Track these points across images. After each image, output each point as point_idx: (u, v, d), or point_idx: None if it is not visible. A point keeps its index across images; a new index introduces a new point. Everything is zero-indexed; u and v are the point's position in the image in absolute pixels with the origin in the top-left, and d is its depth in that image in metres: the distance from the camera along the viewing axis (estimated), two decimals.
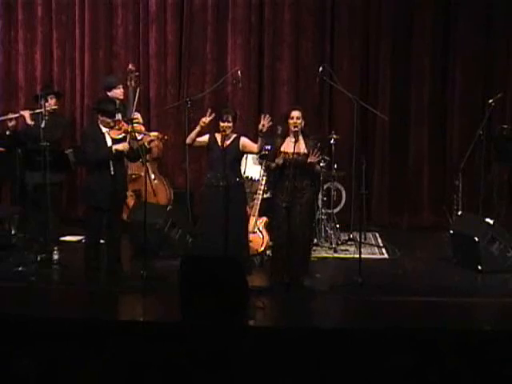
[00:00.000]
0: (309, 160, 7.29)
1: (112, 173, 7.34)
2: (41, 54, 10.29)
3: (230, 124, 7.55)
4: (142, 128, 8.69)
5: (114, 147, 7.36)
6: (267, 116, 7.38)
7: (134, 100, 9.02)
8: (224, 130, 7.52)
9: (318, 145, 7.47)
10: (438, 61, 10.11)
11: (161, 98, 10.20)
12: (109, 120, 7.42)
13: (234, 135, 7.63)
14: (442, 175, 10.21)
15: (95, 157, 7.34)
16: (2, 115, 8.95)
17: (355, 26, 10.09)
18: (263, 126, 7.33)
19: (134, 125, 8.03)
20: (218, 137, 7.57)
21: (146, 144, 7.72)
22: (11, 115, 8.67)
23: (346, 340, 5.93)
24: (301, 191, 7.29)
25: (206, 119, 7.55)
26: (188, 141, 7.67)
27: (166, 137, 8.59)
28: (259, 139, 7.45)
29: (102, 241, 7.66)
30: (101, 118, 7.44)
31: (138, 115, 8.95)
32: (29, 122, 8.48)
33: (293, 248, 7.25)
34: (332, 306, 7.07)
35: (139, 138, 7.83)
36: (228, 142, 7.56)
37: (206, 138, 7.67)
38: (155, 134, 8.77)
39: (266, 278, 7.73)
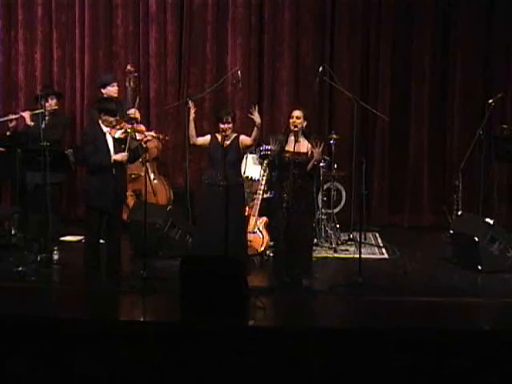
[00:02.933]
0: (314, 156, 7.29)
1: (113, 173, 7.33)
2: (41, 54, 10.28)
3: (230, 125, 7.56)
4: (143, 128, 8.68)
5: (114, 157, 7.33)
6: (252, 108, 7.45)
7: (136, 101, 9.00)
8: (224, 131, 7.53)
9: (321, 145, 7.49)
10: (438, 61, 10.11)
11: (161, 97, 10.20)
12: (111, 119, 7.39)
13: (234, 135, 7.64)
14: (442, 175, 10.22)
15: (93, 160, 7.31)
16: (2, 115, 8.94)
17: (355, 26, 10.10)
18: (254, 116, 7.40)
19: (134, 124, 8.04)
20: (219, 137, 7.58)
21: (142, 143, 7.70)
22: (11, 116, 8.65)
23: (346, 340, 5.93)
24: (301, 191, 7.29)
25: (191, 111, 7.55)
26: (191, 140, 7.68)
27: (166, 137, 8.57)
28: (255, 129, 7.46)
29: (102, 241, 7.66)
30: (103, 118, 7.40)
31: (132, 110, 8.90)
32: (29, 122, 8.45)
33: (294, 248, 7.26)
34: (332, 306, 7.06)
35: (138, 137, 7.83)
36: (228, 143, 7.56)
37: (207, 137, 7.69)
38: (154, 134, 8.78)
39: (266, 278, 7.73)
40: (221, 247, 7.20)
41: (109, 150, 7.34)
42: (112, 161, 7.30)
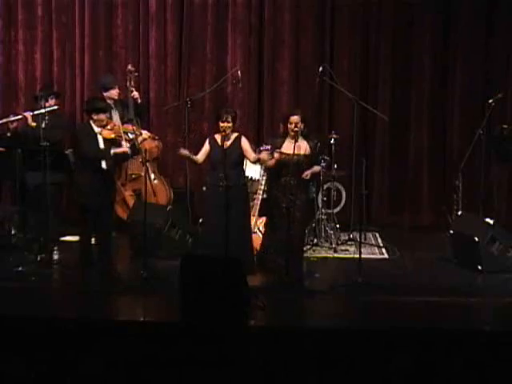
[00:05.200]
0: (304, 174, 7.37)
1: (102, 172, 7.41)
2: (41, 54, 10.29)
3: (230, 124, 7.52)
4: (133, 127, 8.67)
5: (113, 151, 7.40)
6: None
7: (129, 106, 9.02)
8: (224, 130, 7.50)
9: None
10: (438, 61, 10.11)
11: (161, 98, 10.20)
12: (103, 117, 7.46)
13: (235, 135, 7.62)
14: (442, 175, 10.21)
15: (92, 154, 7.39)
16: (2, 116, 8.93)
17: (355, 25, 10.09)
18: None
19: (125, 124, 8.07)
20: (218, 138, 7.56)
21: (136, 144, 7.73)
22: (13, 117, 8.63)
23: (346, 340, 5.93)
24: (300, 191, 7.30)
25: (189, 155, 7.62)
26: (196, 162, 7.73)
27: (156, 137, 8.58)
28: (256, 151, 7.51)
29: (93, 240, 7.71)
30: (95, 117, 7.47)
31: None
32: (31, 123, 8.44)
33: (291, 248, 7.26)
34: (332, 306, 7.07)
35: (131, 137, 7.86)
36: (229, 143, 7.54)
37: (206, 146, 7.66)
38: (146, 132, 8.74)
39: (266, 278, 7.73)
40: (225, 248, 7.22)
41: (100, 149, 7.43)
42: (112, 154, 7.37)
